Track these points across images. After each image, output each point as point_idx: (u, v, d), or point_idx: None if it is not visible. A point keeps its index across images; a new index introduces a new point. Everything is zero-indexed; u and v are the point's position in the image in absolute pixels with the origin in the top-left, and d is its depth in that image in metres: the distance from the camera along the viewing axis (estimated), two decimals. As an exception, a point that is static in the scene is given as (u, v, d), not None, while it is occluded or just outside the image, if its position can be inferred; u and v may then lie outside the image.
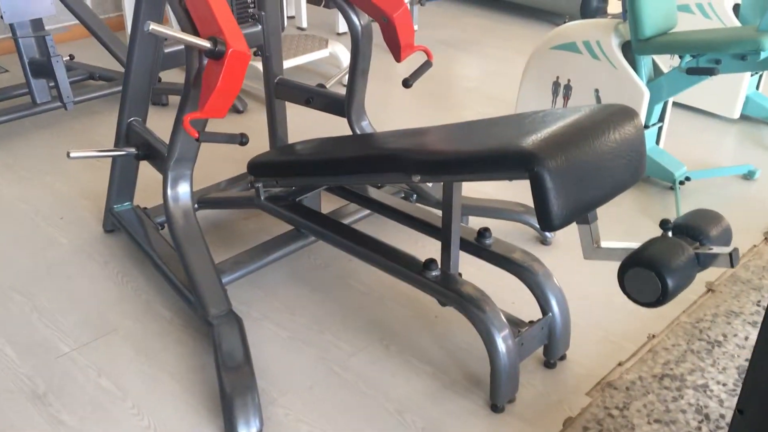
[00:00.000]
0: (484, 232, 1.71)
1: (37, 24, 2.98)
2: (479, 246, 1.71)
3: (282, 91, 2.32)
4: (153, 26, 1.41)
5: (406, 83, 1.97)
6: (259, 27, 2.14)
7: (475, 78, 3.44)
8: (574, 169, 1.26)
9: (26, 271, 1.99)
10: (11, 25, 2.62)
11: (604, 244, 1.37)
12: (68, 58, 3.05)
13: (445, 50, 3.80)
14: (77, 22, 2.92)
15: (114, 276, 1.97)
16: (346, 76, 2.10)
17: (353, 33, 1.98)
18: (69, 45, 3.71)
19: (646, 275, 1.18)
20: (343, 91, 2.13)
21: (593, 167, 1.30)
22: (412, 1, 3.66)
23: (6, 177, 2.47)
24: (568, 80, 2.48)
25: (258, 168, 1.95)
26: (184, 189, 1.78)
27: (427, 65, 2.03)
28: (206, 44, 1.49)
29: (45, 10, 2.63)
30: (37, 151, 2.65)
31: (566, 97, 2.51)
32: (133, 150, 1.92)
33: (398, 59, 1.97)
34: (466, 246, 1.73)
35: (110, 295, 1.90)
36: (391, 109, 3.09)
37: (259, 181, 1.98)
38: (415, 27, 4.04)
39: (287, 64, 3.11)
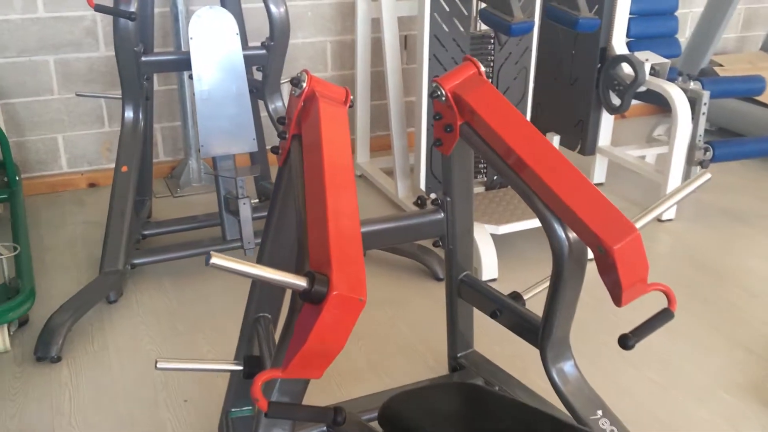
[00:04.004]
0: None
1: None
2: None
3: (466, 291, 1.76)
4: (215, 260, 0.97)
5: (625, 343, 1.28)
6: (442, 215, 1.63)
7: (766, 275, 2.54)
8: None
9: (111, 474, 1.64)
10: (213, 159, 2.44)
11: None
12: (257, 201, 2.84)
13: (728, 224, 2.92)
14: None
15: None
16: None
17: (555, 250, 1.36)
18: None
19: None
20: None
21: None
22: (690, 161, 2.88)
23: (161, 327, 2.22)
24: None
25: (386, 420, 1.39)
26: (276, 443, 1.29)
27: (665, 316, 1.32)
28: (299, 283, 1.01)
29: (247, 147, 2.41)
30: (206, 297, 2.39)
31: None
32: (239, 366, 1.49)
33: (618, 303, 1.29)
34: None
35: None
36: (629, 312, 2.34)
37: (387, 439, 1.41)
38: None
39: (506, 228, 2.55)
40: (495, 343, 2.03)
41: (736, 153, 2.91)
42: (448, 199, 1.61)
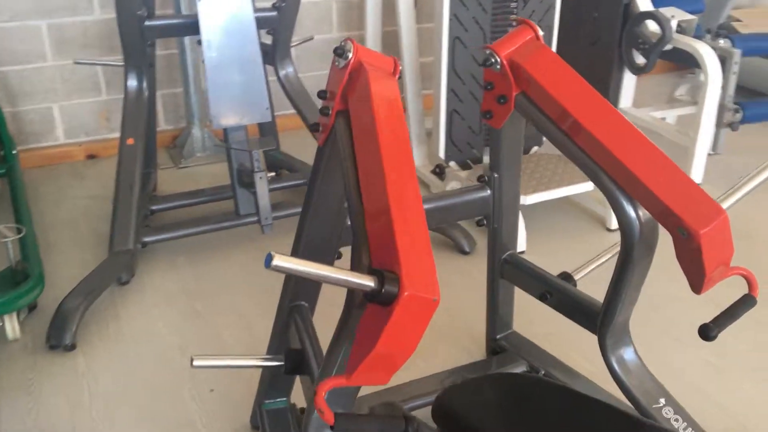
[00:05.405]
0: None
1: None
2: None
3: (510, 272, 1.66)
4: (277, 261, 0.85)
5: (707, 334, 1.19)
6: (488, 192, 1.51)
7: (802, 240, 2.45)
8: None
9: (140, 473, 1.55)
10: (224, 130, 2.30)
11: None
12: (273, 174, 2.69)
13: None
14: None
15: None
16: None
17: (625, 230, 1.25)
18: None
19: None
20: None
21: None
22: (720, 123, 2.77)
23: (178, 308, 2.11)
24: None
25: (440, 416, 1.29)
26: (324, 443, 1.20)
27: (747, 303, 1.23)
28: (366, 283, 0.89)
29: (260, 116, 2.28)
30: (222, 274, 2.28)
31: None
32: (279, 362, 1.38)
33: (698, 290, 1.19)
34: None
35: None
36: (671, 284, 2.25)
37: (442, 436, 1.32)
38: (717, 151, 3.11)
39: (534, 198, 2.43)
40: (532, 322, 1.94)
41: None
42: (496, 175, 1.49)
